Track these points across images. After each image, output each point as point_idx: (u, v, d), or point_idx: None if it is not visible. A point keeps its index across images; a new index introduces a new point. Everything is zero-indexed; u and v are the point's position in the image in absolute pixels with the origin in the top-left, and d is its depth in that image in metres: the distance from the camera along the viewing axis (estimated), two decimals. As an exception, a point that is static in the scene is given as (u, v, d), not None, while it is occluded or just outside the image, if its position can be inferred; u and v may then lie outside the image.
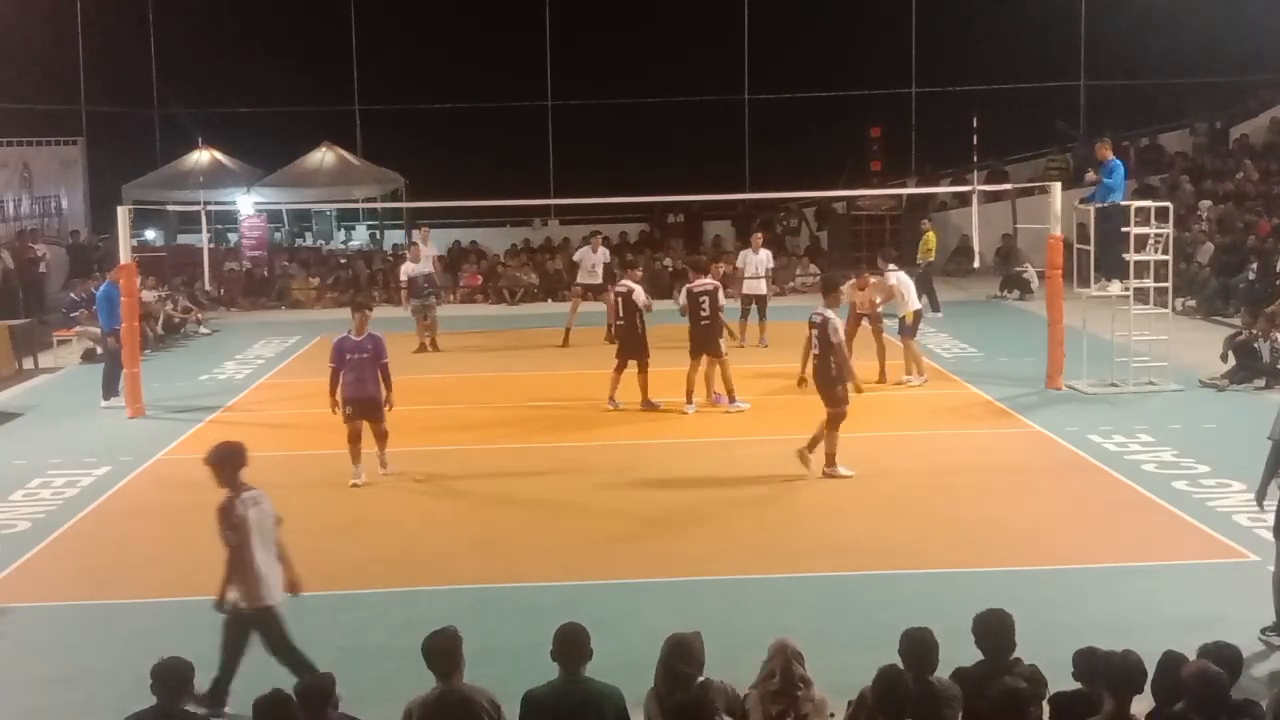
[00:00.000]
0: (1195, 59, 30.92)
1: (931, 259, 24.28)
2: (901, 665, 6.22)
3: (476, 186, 25.33)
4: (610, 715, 6.21)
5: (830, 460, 12.92)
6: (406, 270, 21.74)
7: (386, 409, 13.10)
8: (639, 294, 16.47)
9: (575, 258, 22.49)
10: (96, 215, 30.05)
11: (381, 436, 13.24)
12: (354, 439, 13.02)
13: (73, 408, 17.32)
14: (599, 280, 21.65)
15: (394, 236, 31.67)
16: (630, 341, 16.37)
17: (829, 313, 12.96)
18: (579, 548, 11.24)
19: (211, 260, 24.96)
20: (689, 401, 16.05)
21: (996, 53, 30.94)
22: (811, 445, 12.94)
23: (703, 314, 15.98)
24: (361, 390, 12.96)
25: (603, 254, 22.28)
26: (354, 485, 12.98)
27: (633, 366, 16.36)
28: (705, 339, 16.02)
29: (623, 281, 16.93)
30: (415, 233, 24.69)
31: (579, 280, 22.26)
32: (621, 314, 16.49)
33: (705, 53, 32.75)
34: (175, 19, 31.99)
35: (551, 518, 12.07)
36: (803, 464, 12.88)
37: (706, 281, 16.30)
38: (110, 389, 17.19)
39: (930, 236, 24.33)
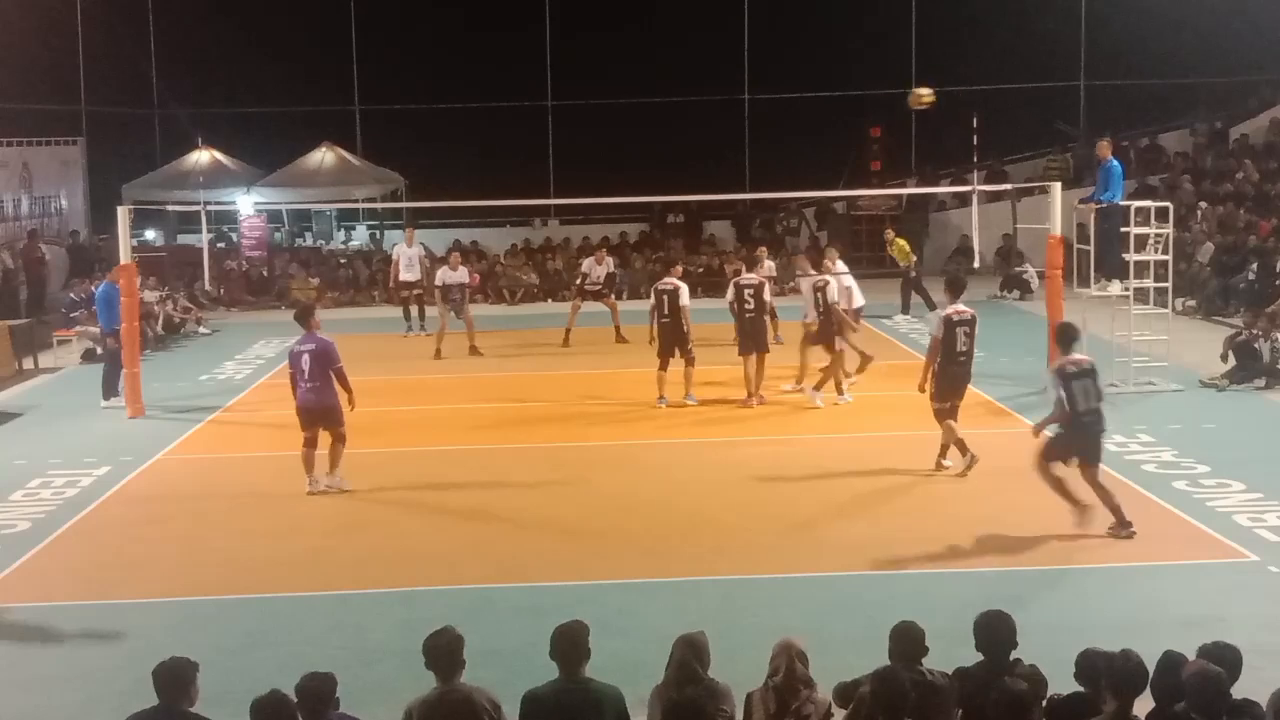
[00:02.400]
0: (1195, 59, 30.93)
1: (908, 262, 24.29)
2: (890, 660, 6.25)
3: (476, 186, 25.36)
4: (610, 715, 6.20)
5: (946, 452, 13.14)
6: (442, 277, 21.67)
7: None
8: (684, 292, 16.47)
9: (584, 268, 22.53)
10: (96, 215, 30.05)
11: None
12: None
13: (73, 408, 17.31)
14: (599, 286, 21.95)
15: (394, 236, 31.60)
16: (676, 338, 16.36)
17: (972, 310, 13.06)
18: (579, 547, 11.24)
19: (211, 260, 24.98)
20: (751, 396, 16.33)
21: (996, 53, 30.94)
22: (944, 451, 13.03)
23: (748, 309, 16.25)
24: None
25: (608, 264, 22.43)
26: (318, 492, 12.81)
27: (677, 363, 16.46)
28: (754, 333, 16.31)
29: (667, 279, 16.78)
30: (401, 232, 24.85)
31: (580, 283, 22.38)
32: (667, 311, 16.36)
33: (705, 53, 32.75)
34: (175, 19, 32.00)
35: (552, 518, 12.06)
36: (939, 469, 12.99)
37: (753, 276, 16.62)
38: (110, 389, 17.19)
39: (900, 243, 24.43)
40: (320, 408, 12.79)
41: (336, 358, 12.73)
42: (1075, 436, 11.09)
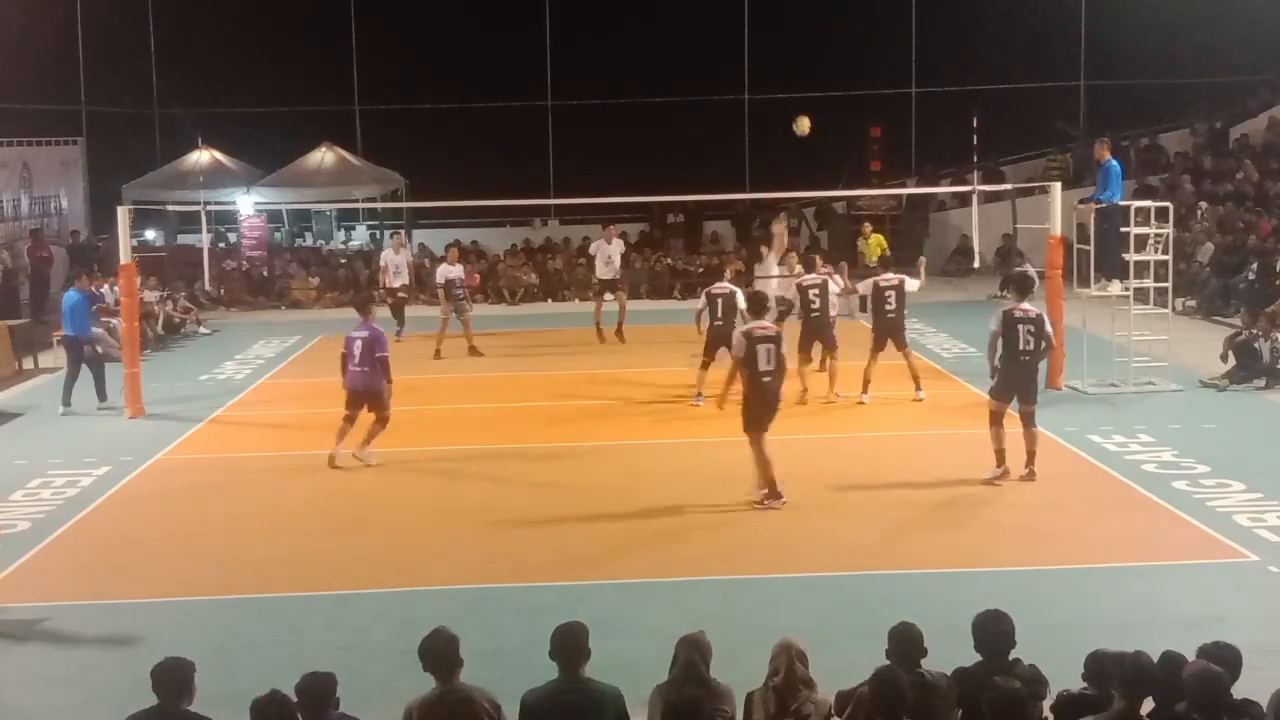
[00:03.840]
0: (1195, 59, 30.93)
1: (869, 263, 24.34)
2: (889, 660, 6.25)
3: (476, 186, 25.32)
4: (610, 715, 6.20)
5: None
6: (443, 273, 21.60)
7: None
8: (740, 296, 16.43)
9: (591, 250, 22.26)
10: (96, 215, 30.04)
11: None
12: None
13: (73, 407, 17.28)
14: (616, 274, 21.58)
15: (393, 237, 31.71)
16: (727, 341, 16.35)
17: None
18: (579, 548, 11.24)
19: (211, 260, 24.99)
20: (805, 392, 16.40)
21: (996, 53, 30.95)
22: (1031, 459, 12.71)
23: (814, 309, 16.40)
24: None
25: (618, 245, 22.06)
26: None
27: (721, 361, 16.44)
28: (820, 332, 16.50)
29: (721, 284, 16.78)
30: (389, 236, 24.83)
31: (597, 275, 21.97)
32: (720, 315, 16.31)
33: (705, 53, 32.75)
34: (175, 19, 32.01)
35: (551, 518, 12.06)
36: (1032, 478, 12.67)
37: (813, 276, 16.71)
38: (101, 393, 17.10)
39: (877, 239, 24.60)
40: (365, 389, 13.85)
41: (384, 346, 13.96)
42: (758, 401, 11.86)
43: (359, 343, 13.82)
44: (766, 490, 12.02)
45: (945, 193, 30.59)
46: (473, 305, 22.24)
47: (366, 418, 13.95)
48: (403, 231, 26.71)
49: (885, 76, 32.86)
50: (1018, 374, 12.61)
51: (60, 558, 11.26)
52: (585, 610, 7.43)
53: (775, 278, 18.37)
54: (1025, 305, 12.71)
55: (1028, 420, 12.68)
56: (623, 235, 30.21)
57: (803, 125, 20.11)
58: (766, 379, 11.98)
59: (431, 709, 6.13)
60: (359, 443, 13.85)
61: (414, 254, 29.32)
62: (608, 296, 21.70)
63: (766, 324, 12.30)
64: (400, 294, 22.79)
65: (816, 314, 16.48)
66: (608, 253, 21.73)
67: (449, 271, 21.41)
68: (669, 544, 11.25)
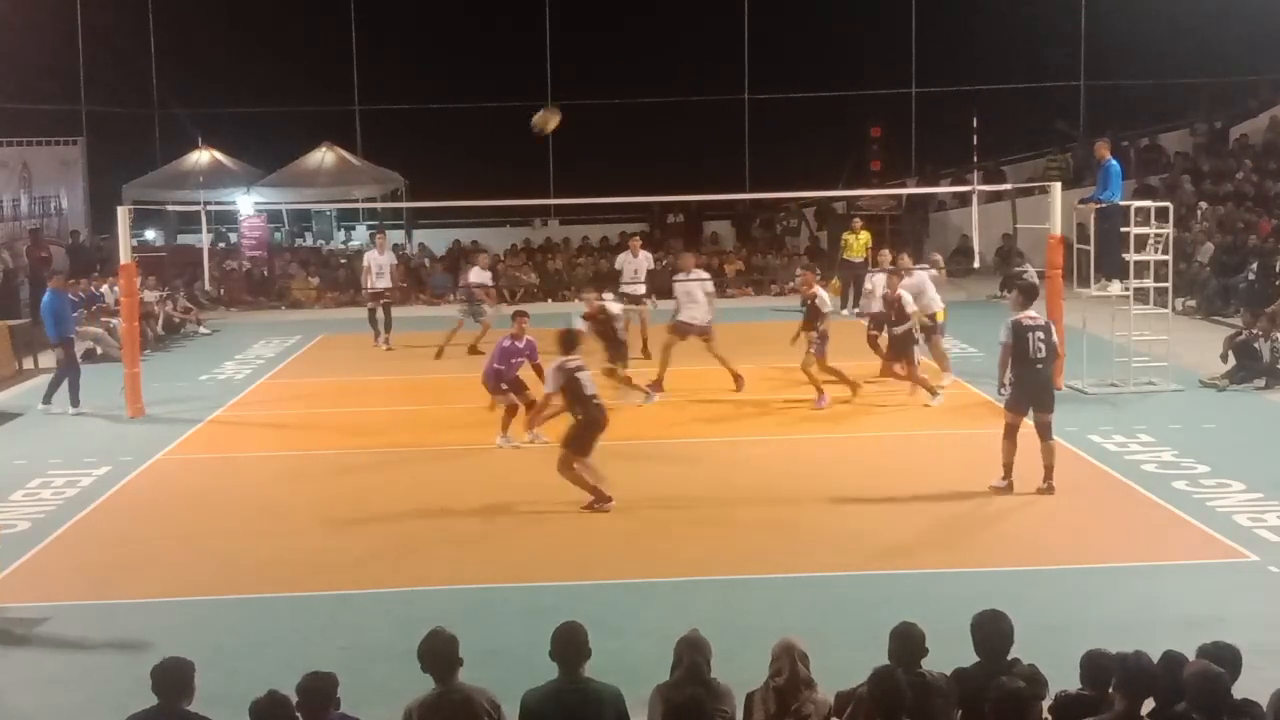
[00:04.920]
0: (1195, 59, 30.93)
1: (859, 256, 24.40)
2: (890, 661, 6.24)
3: (476, 186, 25.33)
4: (610, 715, 6.19)
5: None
6: (476, 276, 21.37)
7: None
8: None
9: (616, 264, 21.70)
10: (96, 215, 30.05)
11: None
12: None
13: (80, 406, 17.24)
14: (642, 289, 20.43)
15: (394, 236, 31.57)
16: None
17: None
18: (579, 548, 11.24)
19: (211, 260, 25.00)
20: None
21: (996, 53, 30.96)
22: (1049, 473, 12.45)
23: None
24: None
25: (644, 258, 20.97)
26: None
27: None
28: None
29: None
30: (400, 233, 24.62)
31: (622, 288, 20.36)
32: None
33: (705, 52, 32.75)
34: (175, 19, 32.00)
35: (551, 517, 12.06)
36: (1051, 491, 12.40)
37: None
38: (51, 396, 16.95)
39: (865, 235, 24.73)
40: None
41: (533, 356, 15.30)
42: (590, 429, 12.26)
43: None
44: (594, 497, 12.15)
45: (945, 193, 30.59)
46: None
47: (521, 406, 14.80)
48: (405, 231, 26.61)
49: (885, 76, 32.84)
50: (1033, 383, 12.36)
51: (60, 558, 11.26)
52: (585, 610, 7.43)
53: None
54: (1031, 312, 12.51)
55: (1044, 432, 12.37)
56: (622, 234, 30.35)
57: (546, 122, 18.02)
58: (596, 401, 12.41)
59: (431, 709, 6.13)
60: (519, 430, 14.61)
61: (414, 254, 29.44)
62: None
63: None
64: (384, 298, 21.99)
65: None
66: (634, 267, 20.72)
67: (479, 275, 21.36)
68: (669, 544, 11.25)
